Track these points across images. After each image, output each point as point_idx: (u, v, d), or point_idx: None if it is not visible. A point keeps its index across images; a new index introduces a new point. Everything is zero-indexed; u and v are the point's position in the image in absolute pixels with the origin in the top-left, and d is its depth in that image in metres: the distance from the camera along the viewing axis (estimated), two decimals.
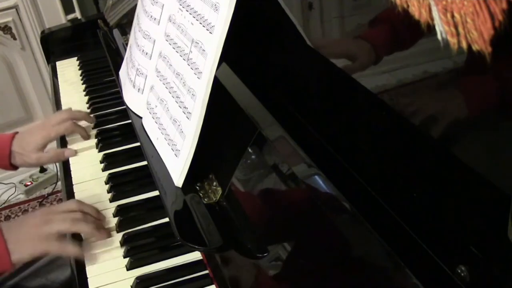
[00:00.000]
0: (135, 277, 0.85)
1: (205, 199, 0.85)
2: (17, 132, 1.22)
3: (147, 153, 0.98)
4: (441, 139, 0.55)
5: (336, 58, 0.70)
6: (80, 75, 1.59)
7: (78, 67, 1.64)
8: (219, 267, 0.79)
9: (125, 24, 1.44)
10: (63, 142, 1.28)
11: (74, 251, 0.91)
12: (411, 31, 0.52)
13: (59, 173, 1.45)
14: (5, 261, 0.88)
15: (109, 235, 0.95)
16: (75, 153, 1.22)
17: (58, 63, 1.69)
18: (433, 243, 0.52)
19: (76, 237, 0.96)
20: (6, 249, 0.88)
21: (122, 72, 1.25)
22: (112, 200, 1.04)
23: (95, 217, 0.96)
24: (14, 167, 1.22)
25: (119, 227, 0.97)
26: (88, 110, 1.38)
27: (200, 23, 0.83)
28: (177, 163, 0.88)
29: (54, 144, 1.29)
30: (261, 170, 0.78)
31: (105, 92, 1.46)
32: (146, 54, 1.07)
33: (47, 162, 1.22)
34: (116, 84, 1.29)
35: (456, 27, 0.45)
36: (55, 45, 1.71)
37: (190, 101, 0.85)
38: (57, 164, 1.45)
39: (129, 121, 1.14)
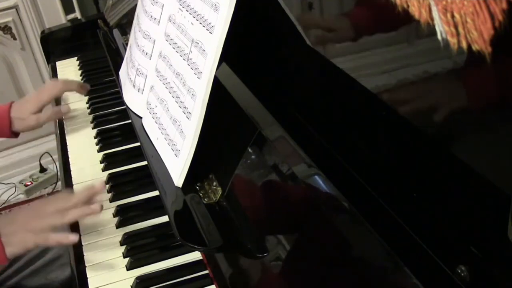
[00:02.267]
0: (135, 277, 0.85)
1: (205, 199, 0.85)
2: (12, 102, 1.26)
3: (147, 153, 0.98)
4: (441, 139, 0.55)
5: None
6: (80, 75, 1.59)
7: (78, 67, 1.64)
8: (219, 267, 0.79)
9: (125, 24, 1.44)
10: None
11: (60, 239, 0.90)
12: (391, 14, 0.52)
13: (59, 173, 1.45)
14: (0, 254, 0.88)
15: (101, 207, 0.93)
16: (70, 109, 1.29)
17: (58, 63, 1.69)
18: (433, 243, 0.52)
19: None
20: (1, 243, 0.88)
21: (122, 72, 1.25)
22: (112, 200, 1.04)
23: (90, 195, 0.95)
24: (15, 134, 1.27)
25: (119, 227, 0.97)
26: (88, 111, 1.38)
27: (200, 23, 0.83)
28: (177, 163, 0.88)
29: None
30: (261, 170, 0.78)
31: (105, 92, 1.46)
32: (146, 54, 1.07)
33: (46, 121, 1.27)
34: (116, 84, 1.29)
35: (456, 27, 0.45)
36: (55, 45, 1.71)
37: (190, 101, 0.85)
38: (57, 164, 1.46)
39: (129, 121, 1.14)
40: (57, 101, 1.40)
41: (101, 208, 0.93)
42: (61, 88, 1.29)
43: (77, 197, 0.94)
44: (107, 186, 1.08)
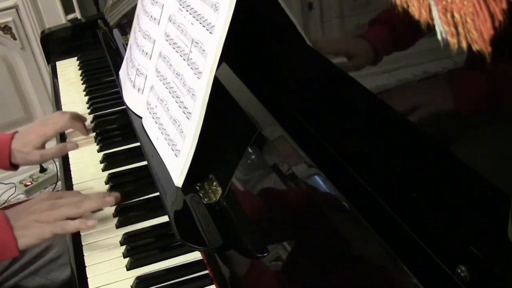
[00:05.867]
0: (135, 277, 0.85)
1: (205, 199, 0.85)
2: (16, 132, 1.22)
3: (147, 153, 0.98)
4: (441, 139, 0.55)
5: (336, 56, 0.70)
6: (80, 75, 1.59)
7: (78, 67, 1.64)
8: (219, 267, 0.79)
9: (125, 24, 1.44)
10: (61, 133, 1.29)
11: (79, 225, 0.91)
12: (411, 31, 0.52)
13: (59, 173, 1.45)
14: (12, 247, 0.89)
15: (117, 198, 0.96)
16: (77, 146, 1.23)
17: (58, 63, 1.69)
18: (433, 243, 0.52)
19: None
20: (13, 236, 0.89)
21: (122, 72, 1.25)
22: None
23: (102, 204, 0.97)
24: (15, 167, 1.22)
25: (119, 227, 0.97)
26: (88, 111, 1.38)
27: (200, 23, 0.83)
28: (177, 163, 0.88)
29: (54, 143, 1.30)
30: (261, 170, 0.78)
31: (105, 92, 1.46)
32: (146, 54, 1.07)
33: (50, 158, 1.24)
34: (116, 84, 1.29)
35: (456, 27, 0.45)
36: (55, 45, 1.71)
37: (190, 101, 0.85)
38: (57, 164, 1.46)
39: (129, 121, 1.14)
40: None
41: (117, 198, 0.95)
42: (66, 124, 1.24)
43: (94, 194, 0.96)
44: (107, 186, 1.08)
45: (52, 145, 1.26)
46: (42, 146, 1.21)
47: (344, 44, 0.70)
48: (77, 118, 1.27)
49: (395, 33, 0.58)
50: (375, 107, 0.63)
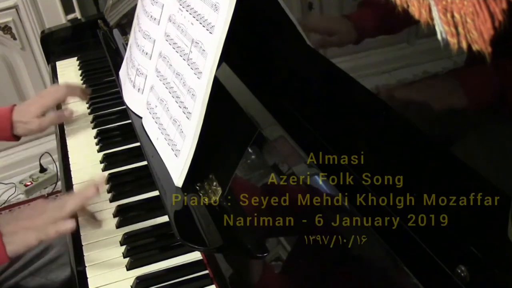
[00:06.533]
0: (135, 277, 0.85)
1: (205, 199, 0.85)
2: (15, 104, 1.25)
3: (147, 153, 0.98)
4: (441, 139, 0.55)
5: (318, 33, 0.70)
6: (80, 75, 1.59)
7: (78, 67, 1.64)
8: (219, 267, 0.79)
9: (125, 24, 1.44)
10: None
11: (58, 228, 0.88)
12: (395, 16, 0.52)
13: (59, 173, 1.45)
14: (1, 253, 0.88)
15: (99, 224, 0.95)
16: (72, 113, 1.28)
17: (58, 63, 1.69)
18: (433, 243, 0.52)
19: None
20: (2, 242, 0.88)
21: (122, 72, 1.25)
22: (112, 200, 1.04)
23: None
24: (16, 138, 1.26)
25: (119, 227, 0.97)
26: (88, 111, 1.38)
27: (200, 23, 0.83)
28: (177, 163, 0.88)
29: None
30: (261, 170, 0.78)
31: (105, 92, 1.46)
32: (146, 54, 1.07)
33: (49, 125, 1.27)
34: (116, 84, 1.29)
35: (456, 27, 0.45)
36: (55, 45, 1.71)
37: (190, 101, 0.85)
38: (57, 164, 1.46)
39: (129, 121, 1.14)
40: (58, 104, 1.39)
41: (98, 189, 0.91)
42: (64, 92, 1.28)
43: (77, 192, 0.94)
44: (107, 186, 1.08)
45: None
46: (42, 115, 1.24)
47: (327, 21, 0.70)
48: (74, 85, 1.30)
49: (380, 16, 0.58)
50: (375, 107, 0.63)
